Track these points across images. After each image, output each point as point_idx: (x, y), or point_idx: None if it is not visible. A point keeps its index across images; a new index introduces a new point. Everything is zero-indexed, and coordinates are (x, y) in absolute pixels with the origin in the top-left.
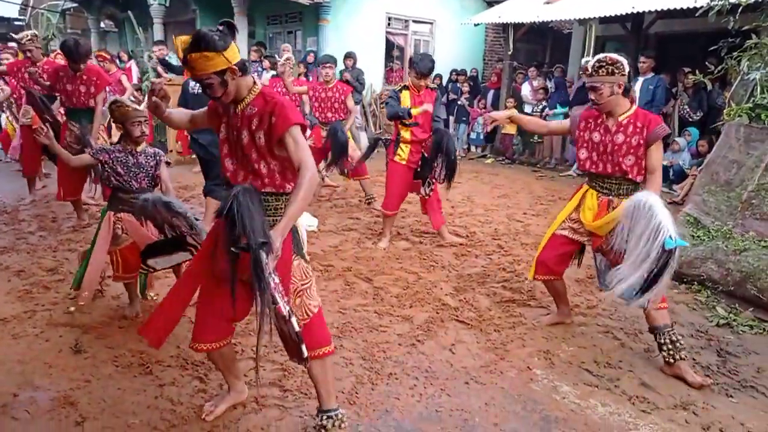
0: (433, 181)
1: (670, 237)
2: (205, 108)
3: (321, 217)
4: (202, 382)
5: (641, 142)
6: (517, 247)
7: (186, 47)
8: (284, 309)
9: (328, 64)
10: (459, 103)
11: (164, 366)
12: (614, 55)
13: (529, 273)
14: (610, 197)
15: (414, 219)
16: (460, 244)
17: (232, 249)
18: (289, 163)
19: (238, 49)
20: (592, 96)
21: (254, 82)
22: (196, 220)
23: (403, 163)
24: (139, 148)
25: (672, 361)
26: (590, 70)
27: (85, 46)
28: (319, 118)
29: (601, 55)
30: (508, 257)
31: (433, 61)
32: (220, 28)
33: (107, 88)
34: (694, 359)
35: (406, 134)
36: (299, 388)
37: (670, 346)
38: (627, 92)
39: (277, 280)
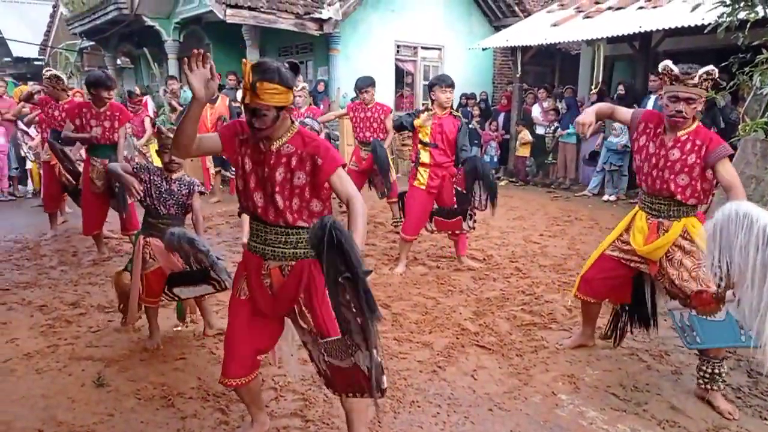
0: (474, 212)
1: None
2: (215, 135)
3: None
4: (224, 413)
5: (698, 161)
6: (535, 269)
7: (258, 74)
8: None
9: (365, 89)
10: (470, 126)
11: (186, 398)
12: (714, 68)
13: (573, 289)
14: (660, 219)
15: (430, 243)
16: (478, 268)
17: (340, 280)
18: (316, 202)
19: None
20: (681, 107)
21: (292, 122)
22: (218, 259)
23: (422, 187)
24: (174, 176)
25: (704, 387)
26: (696, 79)
27: (110, 74)
28: (358, 137)
29: (709, 67)
30: (526, 280)
31: (442, 77)
32: (287, 65)
33: (127, 124)
34: (724, 380)
35: (425, 157)
36: (321, 418)
37: (707, 377)
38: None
39: None
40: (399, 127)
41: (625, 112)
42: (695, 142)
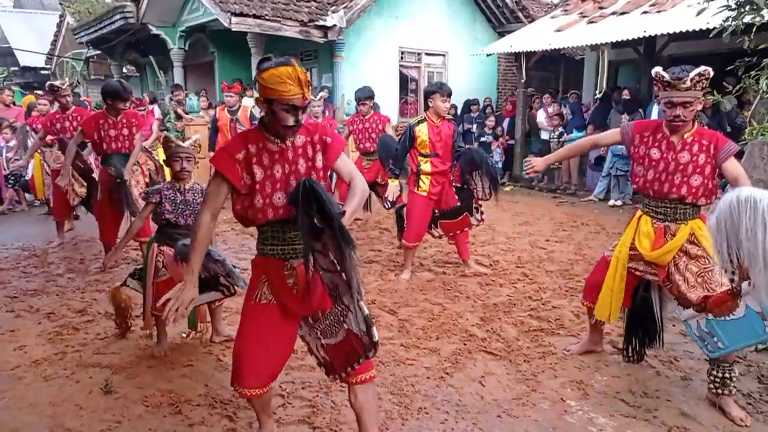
0: (480, 204)
1: None
2: (213, 193)
3: None
4: (231, 420)
5: (708, 160)
6: (542, 274)
7: (303, 68)
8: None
9: (363, 101)
10: (468, 130)
11: (193, 405)
12: (706, 68)
13: (581, 297)
14: (667, 223)
15: (436, 249)
16: (484, 274)
17: (316, 223)
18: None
19: None
20: (678, 112)
21: None
22: (234, 267)
23: (424, 194)
24: (187, 186)
25: (715, 392)
26: (688, 83)
27: (127, 85)
28: (359, 149)
29: (701, 68)
30: (533, 285)
31: (443, 86)
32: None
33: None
34: (735, 385)
35: (426, 167)
36: (329, 425)
37: (718, 382)
38: None
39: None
40: (403, 154)
41: (611, 135)
42: (702, 143)
